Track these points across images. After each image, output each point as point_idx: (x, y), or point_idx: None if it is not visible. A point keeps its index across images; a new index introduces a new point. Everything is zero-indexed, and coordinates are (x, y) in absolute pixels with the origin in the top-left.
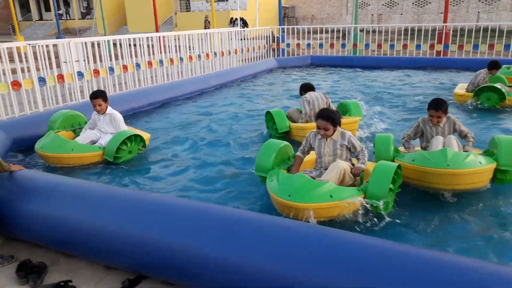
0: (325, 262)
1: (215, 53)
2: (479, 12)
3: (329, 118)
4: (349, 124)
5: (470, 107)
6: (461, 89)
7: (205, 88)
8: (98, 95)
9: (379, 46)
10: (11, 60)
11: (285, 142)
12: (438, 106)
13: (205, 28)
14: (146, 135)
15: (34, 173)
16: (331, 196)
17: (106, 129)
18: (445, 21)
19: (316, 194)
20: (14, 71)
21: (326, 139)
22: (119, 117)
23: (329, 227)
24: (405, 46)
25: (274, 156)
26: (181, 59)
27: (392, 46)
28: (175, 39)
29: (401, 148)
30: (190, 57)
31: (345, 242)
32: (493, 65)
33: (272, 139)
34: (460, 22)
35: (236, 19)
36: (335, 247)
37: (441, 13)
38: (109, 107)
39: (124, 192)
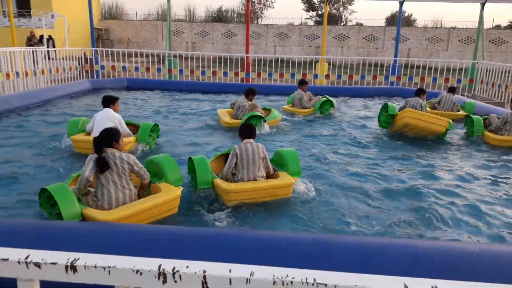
0: None
1: (17, 73)
2: (275, 45)
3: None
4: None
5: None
6: None
7: (5, 110)
8: None
9: (192, 72)
10: None
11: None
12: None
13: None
14: None
15: None
16: None
17: None
18: (247, 52)
19: None
20: None
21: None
22: None
23: None
24: (214, 73)
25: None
26: None
27: (203, 72)
28: None
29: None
30: None
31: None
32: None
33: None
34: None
35: (41, 37)
36: None
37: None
38: None
39: None
